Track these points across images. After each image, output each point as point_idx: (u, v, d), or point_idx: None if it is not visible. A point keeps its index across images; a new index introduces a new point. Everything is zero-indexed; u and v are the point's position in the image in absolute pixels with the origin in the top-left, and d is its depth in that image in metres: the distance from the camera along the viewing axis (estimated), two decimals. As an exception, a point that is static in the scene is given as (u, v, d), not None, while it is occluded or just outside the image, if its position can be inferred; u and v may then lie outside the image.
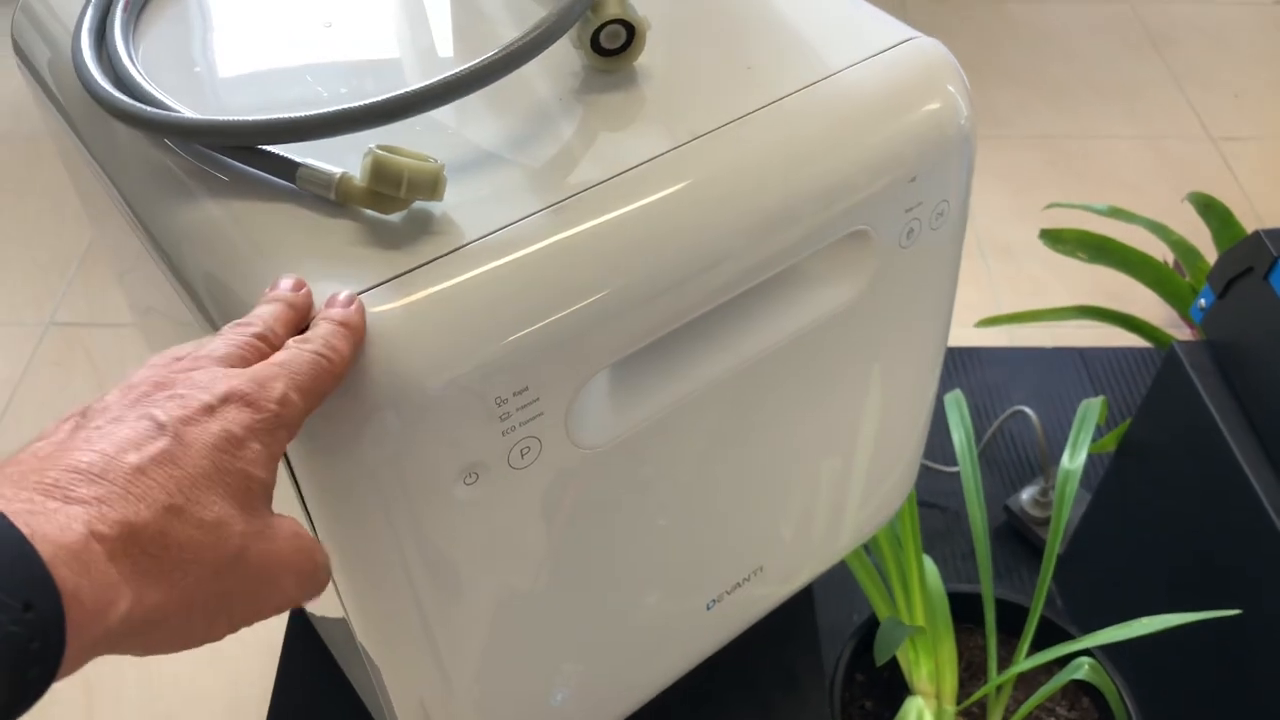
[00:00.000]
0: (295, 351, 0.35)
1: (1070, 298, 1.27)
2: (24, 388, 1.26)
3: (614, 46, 0.46)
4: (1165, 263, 1.05)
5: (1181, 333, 1.13)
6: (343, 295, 0.37)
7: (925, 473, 1.11)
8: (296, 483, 0.41)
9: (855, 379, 0.55)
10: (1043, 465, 1.05)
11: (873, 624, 0.80)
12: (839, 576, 0.89)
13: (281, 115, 0.40)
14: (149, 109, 0.42)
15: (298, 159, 0.41)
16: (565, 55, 0.48)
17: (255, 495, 0.33)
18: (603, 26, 0.45)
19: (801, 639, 0.66)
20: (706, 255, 0.43)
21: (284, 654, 0.69)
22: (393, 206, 0.40)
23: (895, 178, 0.47)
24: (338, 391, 0.37)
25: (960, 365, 1.23)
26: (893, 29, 0.50)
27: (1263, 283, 0.74)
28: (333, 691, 0.66)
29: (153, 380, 0.33)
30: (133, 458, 0.30)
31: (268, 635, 1.04)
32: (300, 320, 0.37)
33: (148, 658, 0.33)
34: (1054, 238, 1.02)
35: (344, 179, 0.40)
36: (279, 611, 0.35)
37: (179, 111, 0.42)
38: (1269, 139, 1.58)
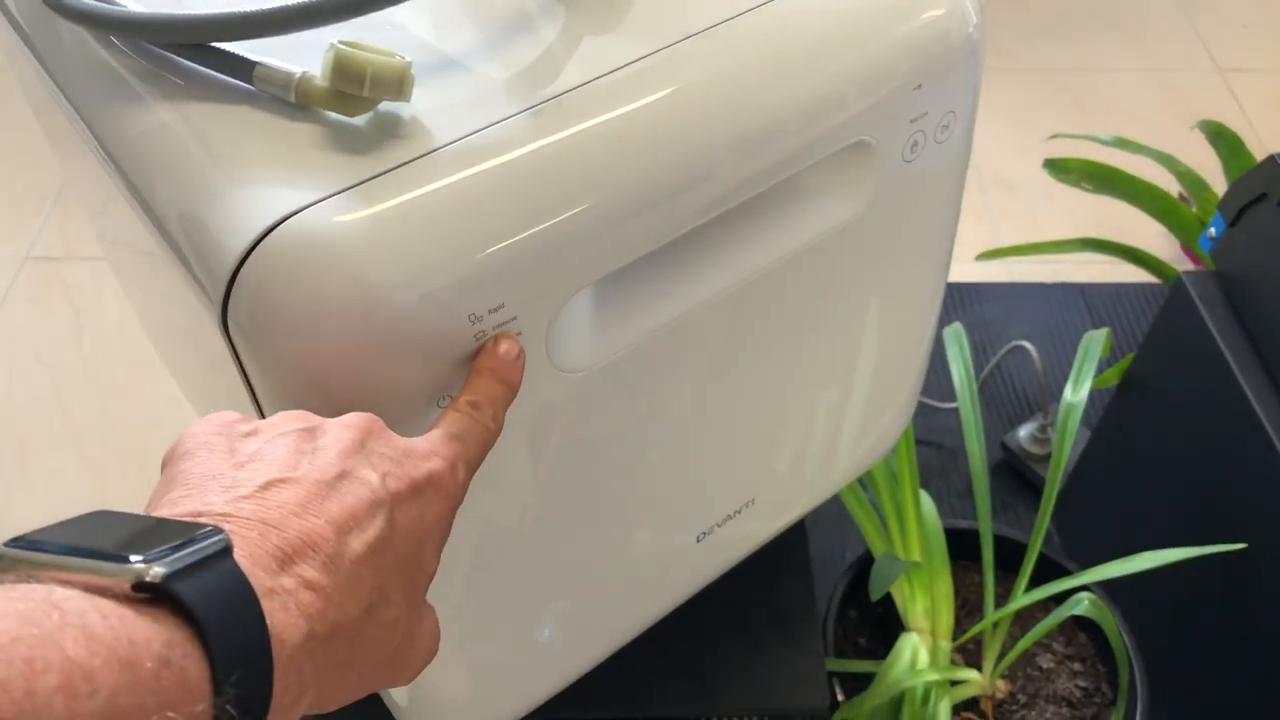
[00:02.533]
0: (473, 422, 0.34)
1: (1072, 232, 1.24)
2: (0, 322, 1.23)
3: (598, -61, 0.43)
4: (1171, 195, 1.02)
5: (1186, 268, 1.10)
6: (504, 345, 0.36)
7: (922, 409, 1.09)
8: (261, 413, 0.39)
9: (853, 304, 0.52)
10: (1042, 402, 1.03)
11: (867, 560, 0.78)
12: (833, 512, 0.87)
13: (236, 9, 0.37)
14: (100, 5, 0.39)
15: (254, 58, 0.38)
16: (546, -49, 0.44)
17: (420, 588, 0.32)
18: (586, -83, 0.42)
19: (794, 575, 0.64)
20: (697, 166, 0.40)
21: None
22: (356, 107, 0.37)
23: (899, 85, 0.44)
24: (303, 306, 0.34)
25: (959, 300, 1.20)
26: (898, -74, 0.47)
27: (1276, 209, 0.71)
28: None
29: (366, 428, 0.32)
30: (356, 545, 0.28)
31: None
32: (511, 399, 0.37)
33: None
34: (1059, 167, 0.98)
35: (304, 78, 0.37)
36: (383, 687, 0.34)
37: (123, 6, 0.39)
38: (1278, 71, 1.54)
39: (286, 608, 0.26)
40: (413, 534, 0.30)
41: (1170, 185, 1.05)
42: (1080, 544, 0.96)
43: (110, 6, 0.39)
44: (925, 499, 0.74)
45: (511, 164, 0.37)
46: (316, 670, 0.27)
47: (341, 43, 0.36)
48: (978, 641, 0.76)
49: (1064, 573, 0.75)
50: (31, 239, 1.32)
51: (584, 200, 0.38)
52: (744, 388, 0.50)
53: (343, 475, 0.29)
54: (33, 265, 1.29)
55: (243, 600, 0.25)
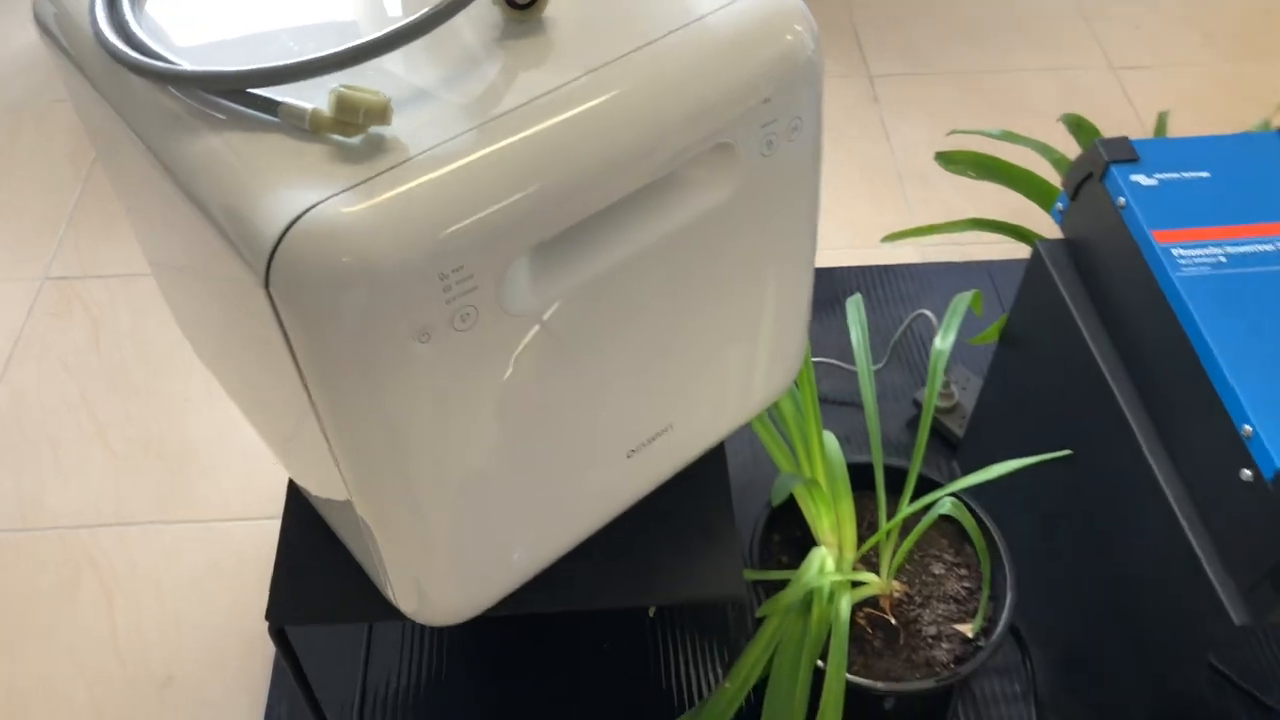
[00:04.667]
0: None
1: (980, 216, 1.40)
2: (25, 338, 1.37)
3: (525, 1, 0.58)
4: (1047, 180, 1.18)
5: (1072, 243, 1.26)
6: None
7: (841, 373, 1.25)
8: (293, 353, 0.54)
9: (735, 265, 0.67)
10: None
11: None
12: (763, 454, 1.04)
13: (265, 65, 0.52)
14: (160, 63, 0.54)
15: (278, 99, 0.53)
16: (490, 11, 0.60)
17: None
18: (514, -14, 0.58)
19: (714, 490, 0.80)
20: (602, 163, 0.56)
21: (284, 528, 0.82)
22: (353, 131, 0.52)
23: (751, 98, 0.60)
24: (318, 272, 0.49)
25: (877, 279, 1.36)
26: (751, -20, 0.62)
27: (1100, 185, 0.87)
28: (334, 564, 0.79)
29: None
30: None
31: (270, 507, 1.17)
32: None
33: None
34: (947, 159, 1.14)
35: (315, 112, 0.52)
36: None
37: (183, 65, 0.54)
38: (1165, 67, 1.72)
39: None
40: None
41: (1052, 172, 1.21)
42: (985, 484, 1.12)
43: (169, 65, 0.54)
44: (828, 434, 0.90)
45: (466, 165, 0.52)
46: None
47: (343, 86, 0.51)
48: (877, 552, 0.92)
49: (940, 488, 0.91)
50: (49, 260, 1.46)
51: (521, 189, 0.53)
52: (651, 331, 0.65)
53: None
54: (52, 285, 1.44)
55: None
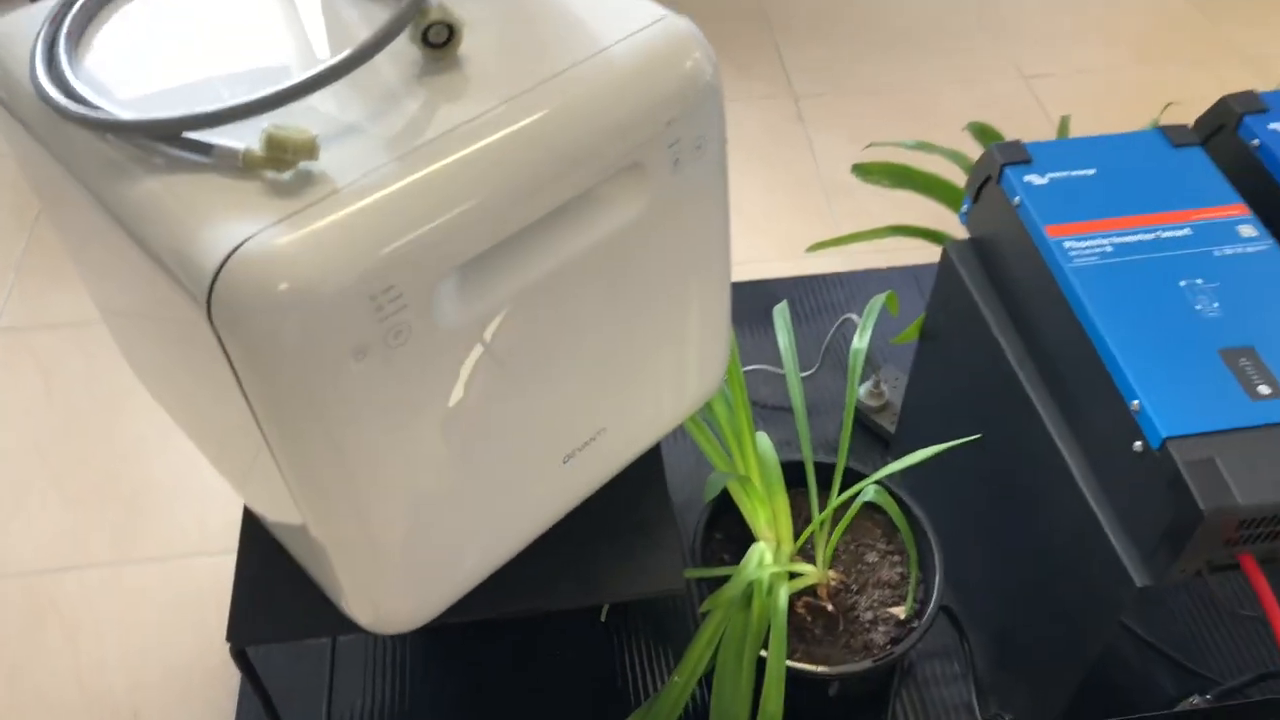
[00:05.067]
0: None
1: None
2: (-23, 390, 1.38)
3: (440, 41, 0.63)
4: (957, 185, 1.25)
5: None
6: None
7: (776, 379, 1.30)
8: (239, 379, 0.58)
9: (653, 275, 0.72)
10: (874, 365, 1.24)
11: (726, 493, 0.98)
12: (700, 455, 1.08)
13: (198, 110, 0.57)
14: (99, 113, 0.58)
15: (212, 141, 0.57)
16: (408, 49, 0.64)
17: None
18: (429, 27, 0.62)
19: (652, 490, 0.84)
20: (517, 186, 0.60)
21: (240, 552, 0.85)
22: (284, 167, 0.56)
23: (656, 121, 0.65)
24: (256, 299, 0.53)
25: (806, 289, 1.42)
26: (650, 11, 0.67)
27: (997, 186, 0.93)
28: (291, 584, 0.82)
29: None
30: None
31: (229, 541, 1.19)
32: None
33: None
34: (863, 170, 1.20)
35: (248, 151, 0.56)
36: None
37: (121, 114, 0.58)
38: (1070, 74, 1.80)
39: None
40: None
41: (963, 177, 1.28)
42: (917, 478, 1.17)
43: (107, 115, 0.58)
44: (761, 434, 0.95)
45: (390, 193, 0.56)
46: None
47: (272, 126, 0.55)
48: (812, 543, 0.97)
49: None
50: (-3, 314, 1.48)
51: (443, 213, 0.57)
52: (578, 342, 0.70)
53: None
54: (1, 335, 1.45)
55: None
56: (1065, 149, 0.93)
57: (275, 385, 0.57)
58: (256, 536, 0.85)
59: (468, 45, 0.64)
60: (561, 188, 0.62)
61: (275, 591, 0.82)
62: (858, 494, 0.89)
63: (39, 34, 0.64)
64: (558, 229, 0.65)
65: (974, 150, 1.30)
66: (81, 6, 0.66)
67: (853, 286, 1.42)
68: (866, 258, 1.47)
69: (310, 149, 0.56)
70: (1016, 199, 0.90)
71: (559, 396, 0.71)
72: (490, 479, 0.70)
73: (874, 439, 1.26)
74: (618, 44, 0.65)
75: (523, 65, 0.64)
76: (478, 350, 0.63)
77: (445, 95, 0.62)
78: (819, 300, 1.40)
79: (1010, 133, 1.26)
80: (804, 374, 1.28)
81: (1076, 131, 1.28)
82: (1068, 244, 0.85)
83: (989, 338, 0.94)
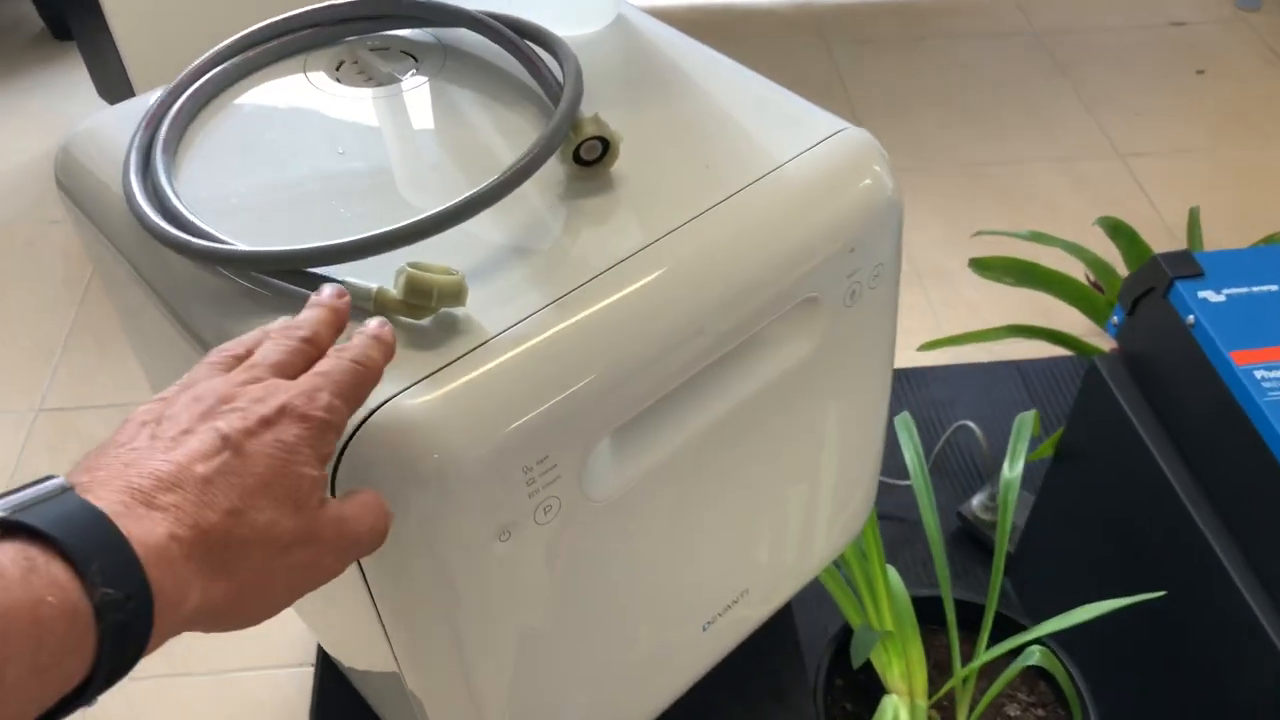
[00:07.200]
0: (337, 360, 0.40)
1: (1004, 316, 1.37)
2: (20, 472, 1.30)
3: (592, 158, 0.54)
4: (1084, 281, 1.16)
5: (1105, 341, 1.23)
6: (373, 322, 0.43)
7: (883, 488, 1.20)
8: (359, 564, 0.49)
9: (815, 420, 0.63)
10: (988, 473, 1.14)
11: (847, 632, 0.88)
12: (813, 593, 0.98)
13: (325, 243, 0.48)
14: (206, 242, 0.50)
15: (337, 277, 0.49)
16: (550, 165, 0.56)
17: (305, 492, 0.37)
18: (582, 143, 0.54)
19: (785, 651, 0.74)
20: (683, 331, 0.51)
21: (315, 701, 0.76)
22: (424, 313, 0.47)
23: (836, 250, 0.56)
24: (395, 473, 0.44)
25: (909, 384, 1.32)
26: (826, 122, 0.59)
27: (1163, 301, 0.84)
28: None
29: (217, 394, 0.38)
30: (201, 469, 0.35)
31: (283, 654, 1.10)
32: (341, 325, 0.43)
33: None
34: (982, 265, 1.11)
35: (380, 292, 0.48)
36: (321, 585, 0.40)
37: (233, 244, 0.49)
38: (1170, 153, 1.71)
39: (139, 517, 0.33)
40: (270, 455, 0.36)
41: (1087, 270, 1.19)
42: (1037, 600, 1.07)
43: (216, 244, 0.50)
44: (892, 572, 0.85)
45: (548, 346, 0.48)
46: (197, 568, 0.34)
47: (410, 265, 0.47)
48: (951, 697, 0.86)
49: (1019, 628, 0.85)
50: (43, 392, 1.40)
51: (601, 367, 0.48)
52: (732, 496, 0.60)
53: (187, 432, 0.36)
54: (46, 416, 1.37)
55: (86, 512, 0.32)
56: (1239, 260, 0.84)
57: (404, 571, 0.48)
58: (330, 672, 0.76)
59: (622, 163, 0.56)
60: (728, 331, 0.53)
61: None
62: (1012, 649, 0.79)
63: (133, 140, 0.56)
64: (721, 376, 0.56)
65: (1097, 239, 1.20)
66: (181, 108, 0.58)
67: (957, 381, 1.32)
68: (968, 350, 1.37)
69: (458, 293, 0.47)
70: (1190, 318, 0.80)
71: (707, 561, 0.61)
72: (623, 654, 0.60)
73: (983, 553, 1.16)
74: (791, 160, 0.56)
75: (684, 187, 0.55)
76: (628, 520, 0.54)
77: (599, 222, 0.54)
78: (922, 396, 1.31)
79: (1111, 212, 1.17)
80: (905, 482, 1.18)
81: (1205, 222, 1.18)
82: (1259, 373, 0.75)
83: (1151, 468, 0.84)
